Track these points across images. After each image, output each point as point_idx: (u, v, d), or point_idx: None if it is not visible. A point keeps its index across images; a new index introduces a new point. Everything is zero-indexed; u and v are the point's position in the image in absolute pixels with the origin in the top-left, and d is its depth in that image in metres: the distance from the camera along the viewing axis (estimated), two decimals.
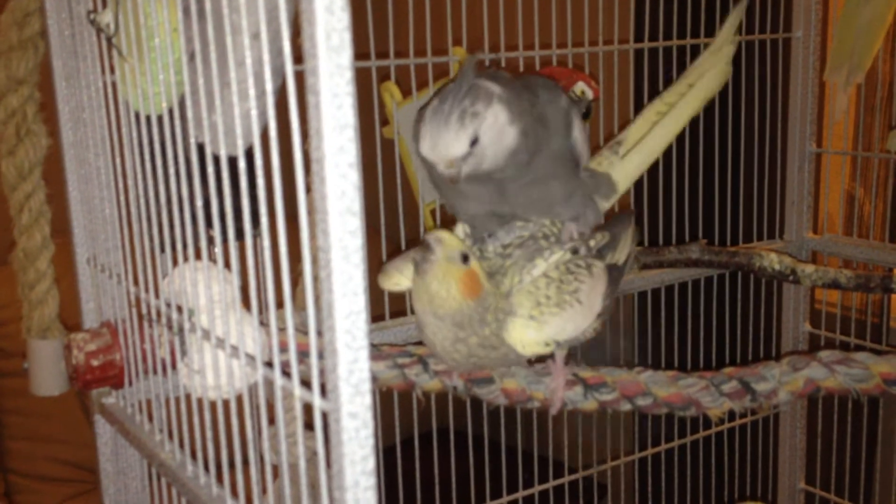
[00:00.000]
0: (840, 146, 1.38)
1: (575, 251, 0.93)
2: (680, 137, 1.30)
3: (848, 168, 1.44)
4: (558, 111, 0.93)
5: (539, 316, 0.88)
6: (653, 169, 1.30)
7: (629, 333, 1.55)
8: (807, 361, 0.99)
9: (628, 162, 1.01)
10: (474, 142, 0.85)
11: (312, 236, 0.51)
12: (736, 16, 1.08)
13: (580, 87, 1.09)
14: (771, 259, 1.20)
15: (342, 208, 0.49)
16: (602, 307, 0.93)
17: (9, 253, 0.98)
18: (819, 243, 1.41)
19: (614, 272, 0.96)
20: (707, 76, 1.05)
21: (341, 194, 0.49)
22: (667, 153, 1.28)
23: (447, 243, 0.85)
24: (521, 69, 1.17)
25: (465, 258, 0.85)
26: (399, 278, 0.95)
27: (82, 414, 1.88)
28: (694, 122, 1.32)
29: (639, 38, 1.37)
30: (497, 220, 0.93)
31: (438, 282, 0.84)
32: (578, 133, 0.95)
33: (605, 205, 1.00)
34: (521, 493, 1.33)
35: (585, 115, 1.11)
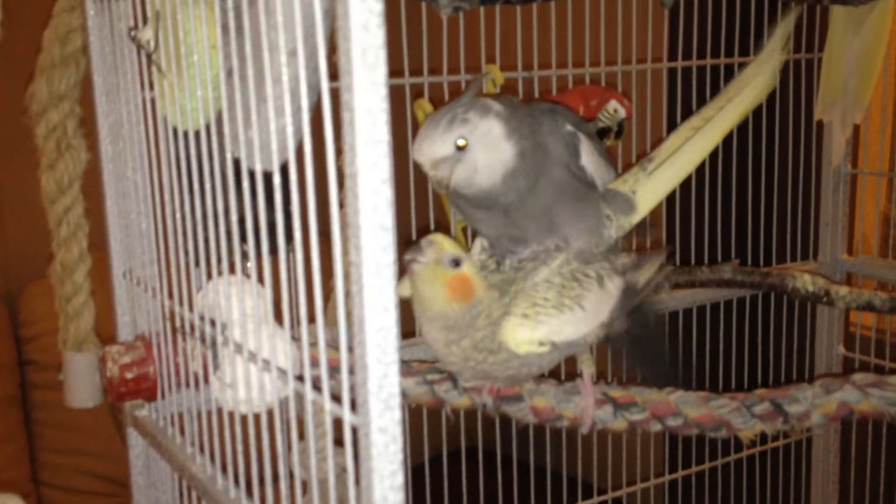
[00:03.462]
0: (876, 167, 1.37)
1: (588, 261, 0.92)
2: (714, 157, 1.30)
3: (884, 189, 1.42)
4: (560, 139, 0.92)
5: (533, 315, 0.87)
6: (686, 188, 1.30)
7: None
8: (840, 384, 0.97)
9: (655, 178, 0.98)
10: (462, 148, 0.85)
11: (345, 252, 0.51)
12: (784, 26, 1.02)
13: (613, 105, 1.09)
14: (804, 280, 1.19)
15: (375, 224, 0.50)
16: (609, 317, 0.92)
17: (46, 266, 1.00)
18: (854, 265, 1.39)
19: (629, 291, 0.94)
20: (748, 89, 1.00)
21: (374, 209, 0.50)
22: (700, 172, 1.28)
23: (438, 246, 0.85)
24: (554, 87, 1.17)
25: (455, 262, 0.85)
26: (403, 287, 0.95)
27: (114, 428, 1.89)
28: (728, 141, 1.31)
29: (672, 57, 1.37)
30: (513, 241, 0.94)
31: (426, 284, 0.85)
32: (588, 157, 0.94)
33: (625, 222, 0.96)
34: None
35: (618, 134, 1.11)
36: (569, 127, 0.93)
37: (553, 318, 0.88)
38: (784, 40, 1.03)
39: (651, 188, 0.98)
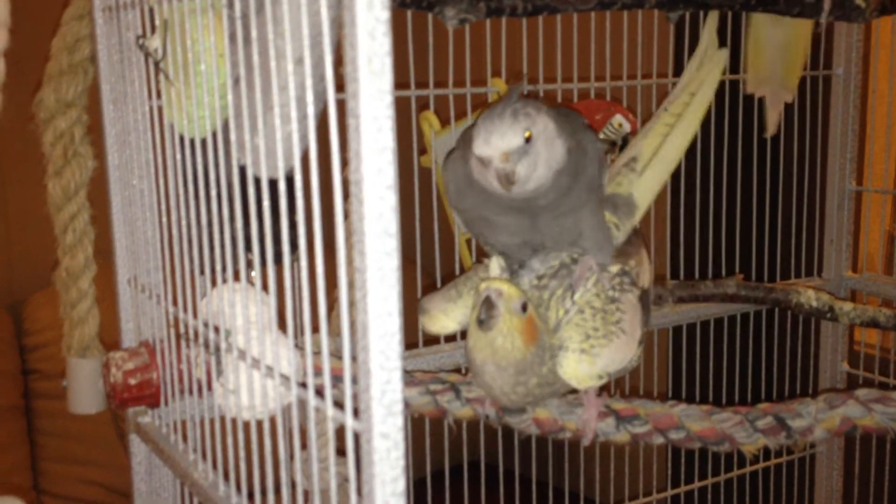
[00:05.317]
0: (881, 185, 1.37)
1: (623, 273, 0.94)
2: (719, 173, 1.30)
3: (889, 208, 1.42)
4: (595, 147, 0.93)
5: (590, 349, 0.89)
6: (690, 202, 1.30)
7: (663, 368, 1.54)
8: (843, 399, 0.97)
9: (648, 178, 1.00)
10: (528, 139, 0.84)
11: (349, 262, 0.52)
12: (711, 20, 1.08)
13: (618, 119, 1.10)
14: (808, 296, 1.19)
15: (379, 230, 0.50)
16: (641, 334, 0.94)
17: (51, 273, 1.00)
18: (858, 282, 1.39)
19: (644, 298, 0.96)
20: (707, 82, 1.04)
21: (379, 216, 0.50)
22: (705, 187, 1.28)
23: (508, 295, 0.85)
24: (560, 101, 1.18)
25: (524, 307, 0.86)
26: (445, 321, 0.96)
27: (116, 437, 1.89)
28: (734, 158, 1.32)
29: (678, 72, 1.37)
30: (528, 250, 0.94)
31: (503, 336, 0.85)
32: (606, 177, 0.96)
33: (628, 224, 0.98)
34: None
35: (622, 148, 1.11)
36: (599, 143, 0.94)
37: (606, 348, 0.90)
38: (714, 30, 1.07)
39: (646, 188, 1.00)
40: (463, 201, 0.93)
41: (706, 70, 1.05)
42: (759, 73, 1.16)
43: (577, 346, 0.89)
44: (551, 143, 0.86)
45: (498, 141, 0.83)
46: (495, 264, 0.95)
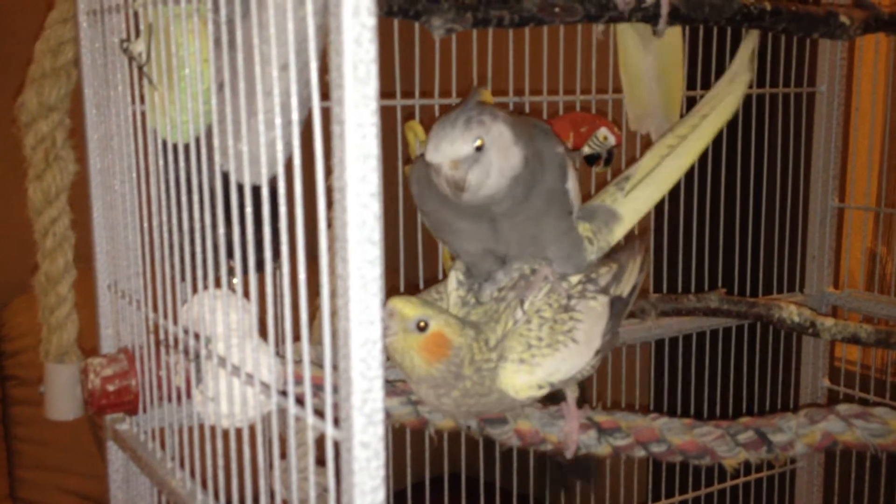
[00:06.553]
0: (863, 202, 1.38)
1: (587, 280, 0.92)
2: (703, 187, 1.30)
3: (870, 225, 1.43)
4: (554, 153, 0.92)
5: (529, 359, 0.87)
6: (675, 216, 1.30)
7: (645, 382, 1.54)
8: (824, 414, 0.97)
9: (633, 198, 0.98)
10: (480, 148, 0.84)
11: (332, 270, 0.51)
12: (749, 41, 1.06)
13: (603, 132, 1.10)
14: (790, 311, 1.19)
15: (362, 237, 0.50)
16: (602, 343, 0.92)
17: (31, 278, 0.99)
18: (839, 298, 1.40)
19: (618, 305, 0.95)
20: (721, 107, 1.02)
21: (362, 223, 0.50)
22: (689, 202, 1.29)
23: (400, 314, 0.84)
24: (545, 113, 1.18)
25: (422, 324, 0.84)
26: None
27: (94, 445, 1.88)
28: (717, 173, 1.32)
29: None
30: (493, 259, 0.93)
31: (400, 354, 0.85)
32: (573, 182, 0.94)
33: (604, 240, 0.96)
34: None
35: (607, 161, 1.11)
36: (559, 148, 0.93)
37: (548, 357, 0.88)
38: (750, 58, 1.05)
39: (630, 208, 0.98)
40: (426, 204, 0.93)
41: (725, 92, 1.03)
42: (640, 108, 1.14)
43: (517, 356, 0.87)
44: (506, 151, 0.86)
45: (447, 148, 0.83)
46: (453, 278, 0.95)
